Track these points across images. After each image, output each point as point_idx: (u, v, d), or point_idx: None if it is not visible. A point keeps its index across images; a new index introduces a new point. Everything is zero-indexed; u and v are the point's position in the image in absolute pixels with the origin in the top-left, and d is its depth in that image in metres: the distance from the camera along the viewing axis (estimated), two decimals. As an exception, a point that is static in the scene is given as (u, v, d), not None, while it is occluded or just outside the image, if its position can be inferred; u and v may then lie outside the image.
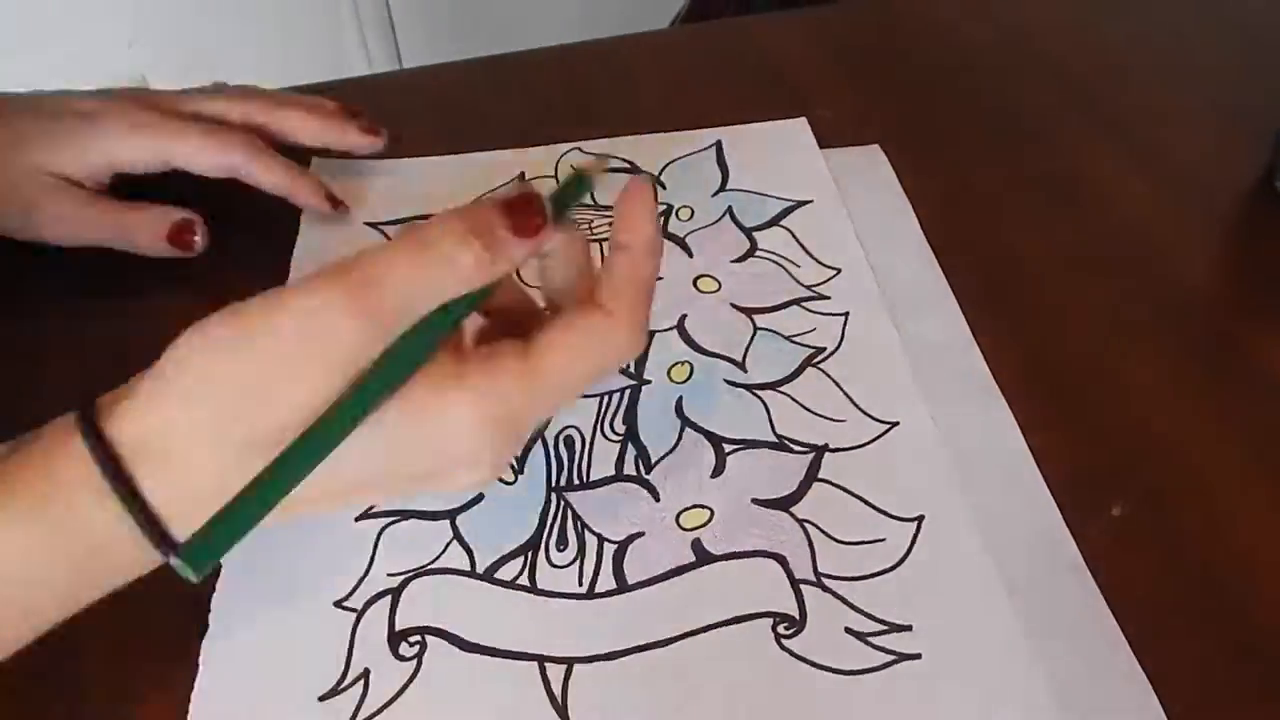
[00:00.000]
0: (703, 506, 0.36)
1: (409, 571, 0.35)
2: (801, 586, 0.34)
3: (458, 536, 0.36)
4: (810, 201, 0.48)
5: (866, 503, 0.36)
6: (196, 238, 0.44)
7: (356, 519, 0.36)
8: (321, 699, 0.32)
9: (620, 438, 0.39)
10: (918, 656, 0.32)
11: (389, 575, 0.35)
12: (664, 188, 0.49)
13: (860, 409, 0.39)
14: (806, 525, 0.36)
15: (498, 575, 0.35)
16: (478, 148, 0.52)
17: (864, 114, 0.53)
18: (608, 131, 0.52)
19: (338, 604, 0.34)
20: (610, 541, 0.36)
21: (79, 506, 0.26)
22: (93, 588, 0.28)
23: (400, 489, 0.30)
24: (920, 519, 0.36)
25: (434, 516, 0.36)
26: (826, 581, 0.34)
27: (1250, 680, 0.32)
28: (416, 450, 0.28)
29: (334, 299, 0.26)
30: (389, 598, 0.34)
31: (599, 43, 0.60)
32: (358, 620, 0.34)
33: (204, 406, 0.26)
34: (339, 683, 0.32)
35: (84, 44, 1.25)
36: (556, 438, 0.39)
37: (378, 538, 0.36)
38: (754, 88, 0.56)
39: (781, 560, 0.35)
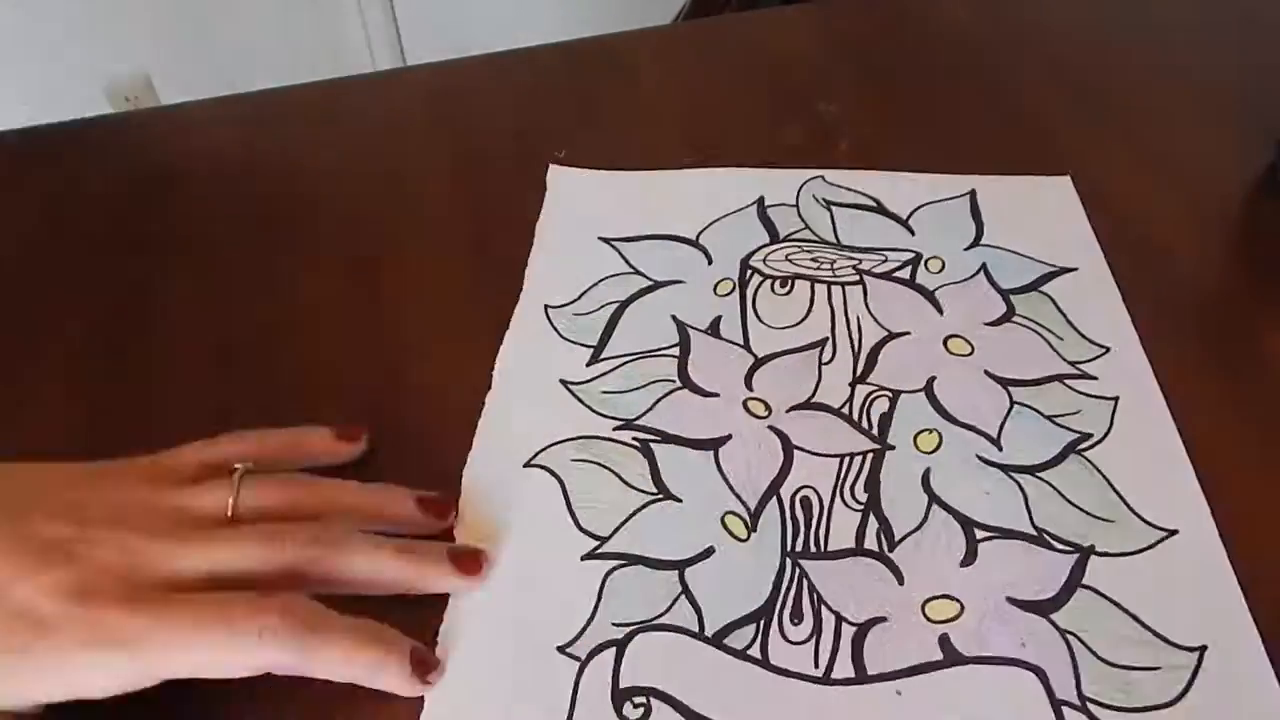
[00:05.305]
0: (951, 598, 0.33)
1: (635, 624, 0.33)
2: (1063, 709, 0.31)
3: (686, 591, 0.34)
4: (1075, 269, 0.44)
5: (1139, 621, 0.33)
6: None
7: (583, 557, 0.35)
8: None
9: (861, 506, 0.36)
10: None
11: (614, 625, 0.33)
12: (912, 233, 0.46)
13: (1132, 510, 0.36)
14: (1069, 637, 0.32)
15: (728, 642, 0.32)
16: (478, 145, 0.50)
17: (867, 110, 0.53)
18: (609, 129, 0.51)
19: (561, 649, 0.32)
20: (849, 623, 0.33)
21: None
22: None
23: None
24: (1202, 650, 0.32)
25: (661, 565, 0.34)
26: (1092, 708, 0.31)
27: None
28: None
29: None
30: (613, 650, 0.32)
31: (602, 39, 0.59)
32: (581, 670, 0.32)
33: None
34: (559, 734, 0.31)
35: (85, 44, 1.25)
36: (793, 497, 0.36)
37: (603, 582, 0.34)
38: (757, 83, 0.55)
39: (1040, 674, 0.31)
